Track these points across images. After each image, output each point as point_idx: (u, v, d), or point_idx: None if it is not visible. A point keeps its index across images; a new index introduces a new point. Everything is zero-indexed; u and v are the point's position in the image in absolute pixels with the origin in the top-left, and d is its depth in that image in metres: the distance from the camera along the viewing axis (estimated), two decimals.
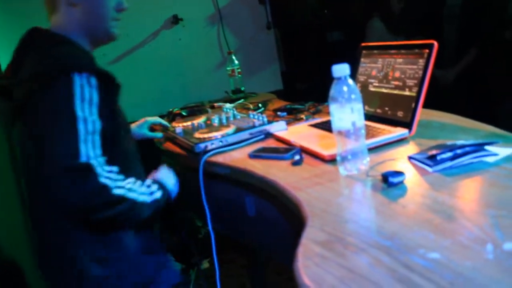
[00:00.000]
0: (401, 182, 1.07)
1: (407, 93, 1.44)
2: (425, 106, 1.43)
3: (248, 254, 2.72)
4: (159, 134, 2.03)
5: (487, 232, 0.80)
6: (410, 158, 1.21)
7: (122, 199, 1.24)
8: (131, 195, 1.27)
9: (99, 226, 1.35)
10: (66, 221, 1.34)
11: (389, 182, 1.06)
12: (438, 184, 1.04)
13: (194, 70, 3.49)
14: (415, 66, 1.43)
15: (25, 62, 1.36)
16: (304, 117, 1.89)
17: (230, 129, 1.72)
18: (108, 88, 1.32)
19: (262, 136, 1.70)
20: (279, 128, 1.71)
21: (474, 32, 3.55)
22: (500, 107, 3.61)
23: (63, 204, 1.26)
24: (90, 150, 1.21)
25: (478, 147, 1.13)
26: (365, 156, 1.19)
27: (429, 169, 1.11)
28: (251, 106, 2.28)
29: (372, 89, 1.60)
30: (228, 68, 2.77)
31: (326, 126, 1.61)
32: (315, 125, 1.68)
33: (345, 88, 1.15)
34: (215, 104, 2.49)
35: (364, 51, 1.70)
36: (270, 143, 1.65)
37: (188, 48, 3.48)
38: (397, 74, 1.50)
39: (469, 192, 1.00)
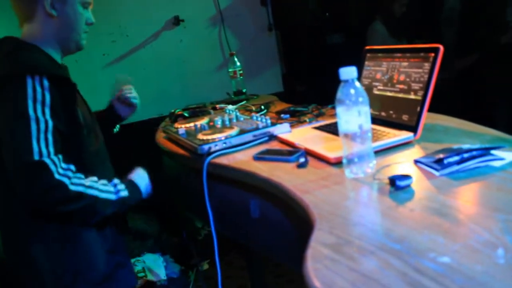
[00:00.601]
0: (408, 186, 1.07)
1: (412, 96, 1.44)
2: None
3: (247, 256, 2.72)
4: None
5: (498, 236, 0.80)
6: (416, 161, 1.21)
7: (80, 195, 1.32)
8: (91, 192, 1.35)
9: (58, 221, 1.42)
10: (23, 216, 1.41)
11: (397, 185, 1.06)
12: (445, 188, 1.04)
13: (195, 71, 3.50)
14: (420, 70, 1.43)
15: None
16: (308, 120, 1.89)
17: (234, 131, 1.71)
18: (62, 89, 1.39)
19: (266, 138, 1.70)
20: (283, 130, 1.71)
21: (473, 35, 3.57)
22: (498, 111, 3.63)
23: (22, 200, 1.35)
24: (43, 149, 1.28)
25: (485, 152, 1.13)
26: (371, 159, 1.20)
27: (436, 173, 1.11)
28: (254, 108, 2.28)
29: (376, 92, 1.60)
30: (230, 70, 2.77)
31: (330, 129, 1.61)
32: (319, 128, 1.68)
33: (352, 91, 1.15)
34: (217, 106, 2.48)
35: (368, 54, 1.70)
36: (274, 145, 1.64)
37: (189, 49, 3.48)
38: (402, 77, 1.50)
39: (477, 196, 1.00)
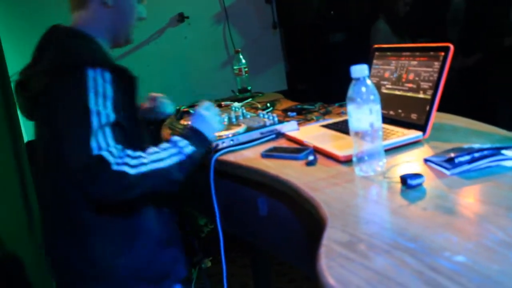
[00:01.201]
0: (420, 185, 1.07)
1: (421, 95, 1.44)
2: None
3: (251, 254, 2.71)
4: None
5: None
6: (426, 160, 1.21)
7: (143, 175, 1.25)
8: (154, 166, 1.28)
9: (121, 213, 1.38)
10: (83, 210, 1.36)
11: (408, 184, 1.06)
12: (457, 187, 1.04)
13: (200, 69, 3.49)
14: (430, 69, 1.43)
15: (44, 56, 1.39)
16: (315, 118, 1.89)
17: (241, 128, 1.71)
18: (123, 82, 1.35)
19: (274, 136, 1.69)
20: (291, 128, 1.71)
21: (478, 35, 3.57)
22: (500, 111, 3.63)
23: (88, 198, 1.30)
24: (101, 142, 1.23)
25: (496, 151, 1.13)
26: (381, 157, 1.19)
27: (447, 172, 1.11)
28: (259, 106, 2.28)
29: (384, 91, 1.60)
30: (235, 67, 2.76)
31: (338, 127, 1.61)
32: (327, 126, 1.68)
33: (363, 89, 1.15)
34: (222, 103, 2.48)
35: (376, 53, 1.70)
36: (282, 143, 1.64)
37: (193, 47, 3.48)
38: (411, 76, 1.50)
39: (489, 195, 1.00)
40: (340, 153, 1.33)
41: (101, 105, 1.26)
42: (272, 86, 3.54)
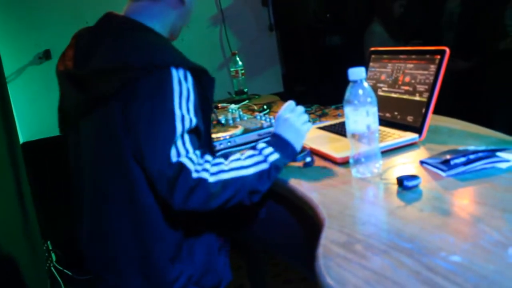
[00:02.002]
0: (416, 186, 1.08)
1: (417, 98, 1.46)
2: None
3: (247, 256, 2.72)
4: None
5: (507, 236, 0.81)
6: (422, 162, 1.23)
7: (224, 183, 1.16)
8: (235, 173, 1.19)
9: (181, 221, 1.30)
10: (150, 213, 1.28)
11: (404, 185, 1.07)
12: (453, 189, 1.05)
13: None
14: (426, 72, 1.44)
15: (100, 50, 1.27)
16: (311, 120, 1.90)
17: (238, 130, 1.72)
18: (203, 83, 1.28)
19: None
20: None
21: (472, 39, 3.59)
22: (497, 114, 3.65)
23: (171, 208, 1.19)
24: (181, 148, 1.16)
25: (491, 153, 1.15)
26: (378, 159, 1.20)
27: (443, 174, 1.13)
28: (256, 108, 2.29)
29: (381, 93, 1.61)
30: (231, 69, 2.77)
31: (335, 129, 1.62)
32: (324, 128, 1.69)
33: (360, 91, 1.16)
34: (219, 105, 2.49)
35: (373, 56, 1.71)
36: None
37: (190, 49, 3.46)
38: (407, 79, 1.51)
39: (484, 197, 1.01)
40: (337, 155, 1.34)
41: (185, 109, 1.19)
42: (269, 88, 3.55)
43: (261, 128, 1.72)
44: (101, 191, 1.33)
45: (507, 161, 1.14)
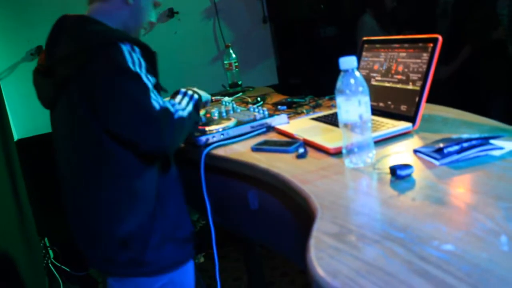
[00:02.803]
0: (409, 175, 1.07)
1: (410, 87, 1.44)
2: None
3: (244, 248, 2.72)
4: None
5: (500, 224, 0.80)
6: (415, 151, 1.21)
7: (186, 119, 1.43)
8: (187, 111, 1.48)
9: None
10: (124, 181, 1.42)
11: (397, 175, 1.06)
12: (446, 177, 1.04)
13: (190, 64, 3.48)
14: (419, 60, 1.43)
15: (60, 41, 1.42)
16: (305, 111, 1.89)
17: (231, 122, 1.71)
18: (148, 56, 1.42)
19: (264, 130, 1.69)
20: (281, 122, 1.71)
21: (465, 29, 3.58)
22: (491, 103, 3.64)
23: (149, 151, 1.39)
24: (157, 98, 1.35)
25: (484, 141, 1.14)
26: (371, 149, 1.19)
27: (436, 162, 1.11)
28: (250, 100, 2.27)
29: (374, 83, 1.60)
30: (225, 62, 2.75)
31: (328, 120, 1.61)
32: (317, 119, 1.67)
33: (352, 81, 1.15)
34: (213, 98, 2.47)
35: (366, 45, 1.69)
36: (272, 136, 1.64)
37: (183, 42, 3.46)
38: (400, 68, 1.50)
39: (477, 185, 1.00)
40: (330, 145, 1.33)
41: (144, 73, 1.35)
42: (263, 80, 3.53)
43: (254, 120, 1.70)
44: (77, 172, 1.46)
45: (501, 148, 1.13)
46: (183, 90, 1.60)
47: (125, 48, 1.34)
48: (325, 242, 0.85)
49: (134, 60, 1.34)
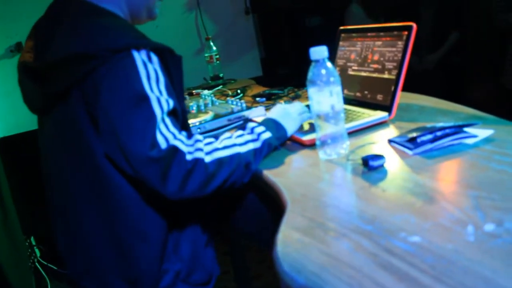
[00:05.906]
0: (382, 166, 1.05)
1: (386, 76, 1.43)
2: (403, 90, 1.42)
3: (229, 241, 2.70)
4: None
5: (468, 214, 0.79)
6: (390, 141, 1.20)
7: (219, 162, 1.10)
8: (230, 151, 1.14)
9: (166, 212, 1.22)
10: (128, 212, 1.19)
11: (370, 165, 1.05)
12: (419, 167, 1.03)
13: None
14: (394, 49, 1.41)
15: (57, 38, 1.16)
16: (283, 103, 1.87)
17: (208, 116, 1.69)
18: (169, 63, 1.18)
19: (241, 122, 1.67)
20: (258, 114, 1.69)
21: (452, 17, 3.57)
22: (475, 91, 3.65)
23: (162, 195, 1.09)
24: (167, 134, 1.07)
25: (458, 129, 1.12)
26: (344, 140, 1.18)
27: (410, 152, 1.10)
28: (230, 93, 2.25)
29: (351, 72, 1.59)
30: (206, 55, 2.73)
31: None
32: None
33: (323, 71, 1.13)
34: (193, 91, 2.45)
35: (342, 35, 1.68)
36: None
37: (165, 35, 3.41)
38: (376, 57, 1.48)
39: (449, 174, 0.99)
40: (304, 137, 1.32)
41: (157, 91, 1.09)
42: (247, 73, 3.51)
43: (232, 113, 1.68)
44: (69, 192, 1.25)
45: (474, 136, 1.12)
46: (252, 125, 1.25)
47: (140, 58, 1.09)
48: (292, 237, 0.84)
49: (150, 74, 1.10)
